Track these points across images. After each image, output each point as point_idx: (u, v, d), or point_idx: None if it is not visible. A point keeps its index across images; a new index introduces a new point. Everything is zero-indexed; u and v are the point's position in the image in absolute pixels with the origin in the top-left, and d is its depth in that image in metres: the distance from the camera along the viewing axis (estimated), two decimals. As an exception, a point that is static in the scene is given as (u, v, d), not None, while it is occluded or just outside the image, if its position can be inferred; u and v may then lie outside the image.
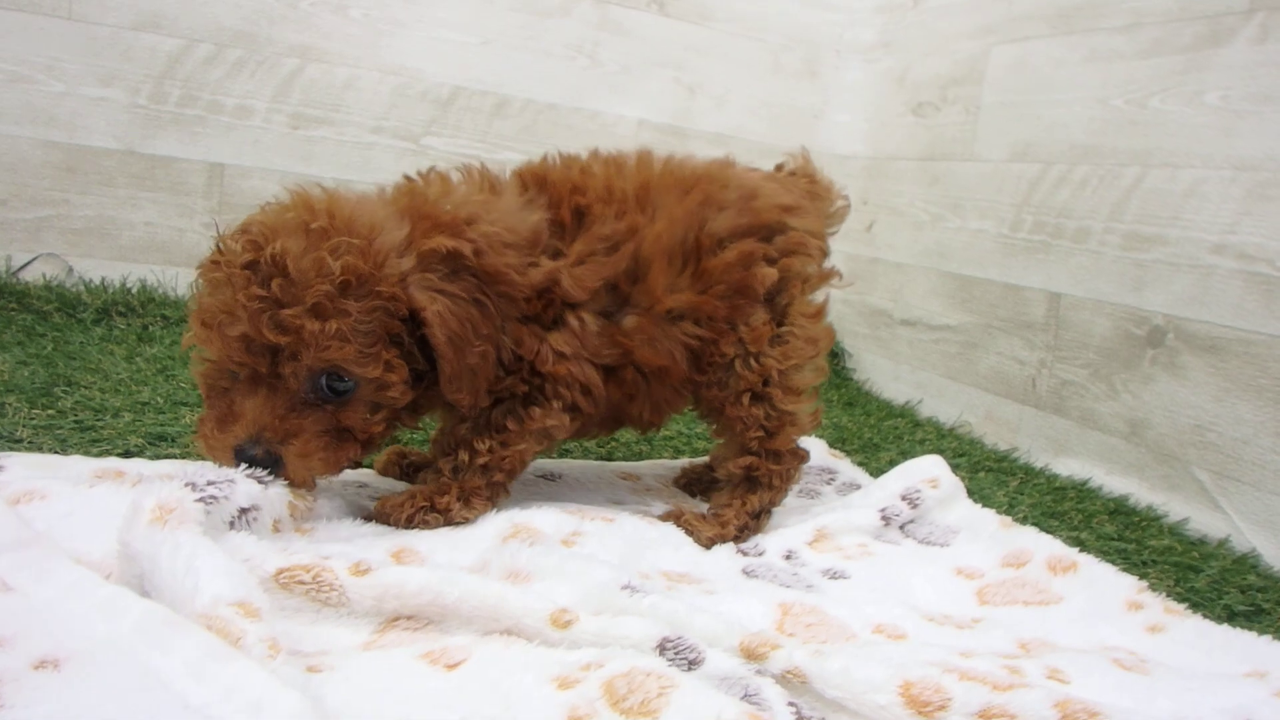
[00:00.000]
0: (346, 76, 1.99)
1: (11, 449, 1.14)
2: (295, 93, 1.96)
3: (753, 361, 1.12)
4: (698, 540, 1.09)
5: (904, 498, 1.16)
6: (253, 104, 1.94)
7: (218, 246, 0.92)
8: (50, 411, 1.27)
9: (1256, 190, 1.42)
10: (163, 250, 1.94)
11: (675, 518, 1.12)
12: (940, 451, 1.64)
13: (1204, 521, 1.44)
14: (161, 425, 1.28)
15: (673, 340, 1.08)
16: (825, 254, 1.21)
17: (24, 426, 1.21)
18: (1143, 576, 1.13)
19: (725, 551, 1.02)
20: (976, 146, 2.00)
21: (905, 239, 2.20)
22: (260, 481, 0.88)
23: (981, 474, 1.62)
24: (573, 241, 1.04)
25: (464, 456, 1.04)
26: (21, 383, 1.35)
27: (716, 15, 2.25)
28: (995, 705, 0.65)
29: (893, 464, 1.35)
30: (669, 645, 0.72)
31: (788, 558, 1.02)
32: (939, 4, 2.16)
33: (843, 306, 2.40)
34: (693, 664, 0.70)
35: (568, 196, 1.06)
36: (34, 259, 1.86)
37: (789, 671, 0.72)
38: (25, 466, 1.03)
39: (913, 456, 1.32)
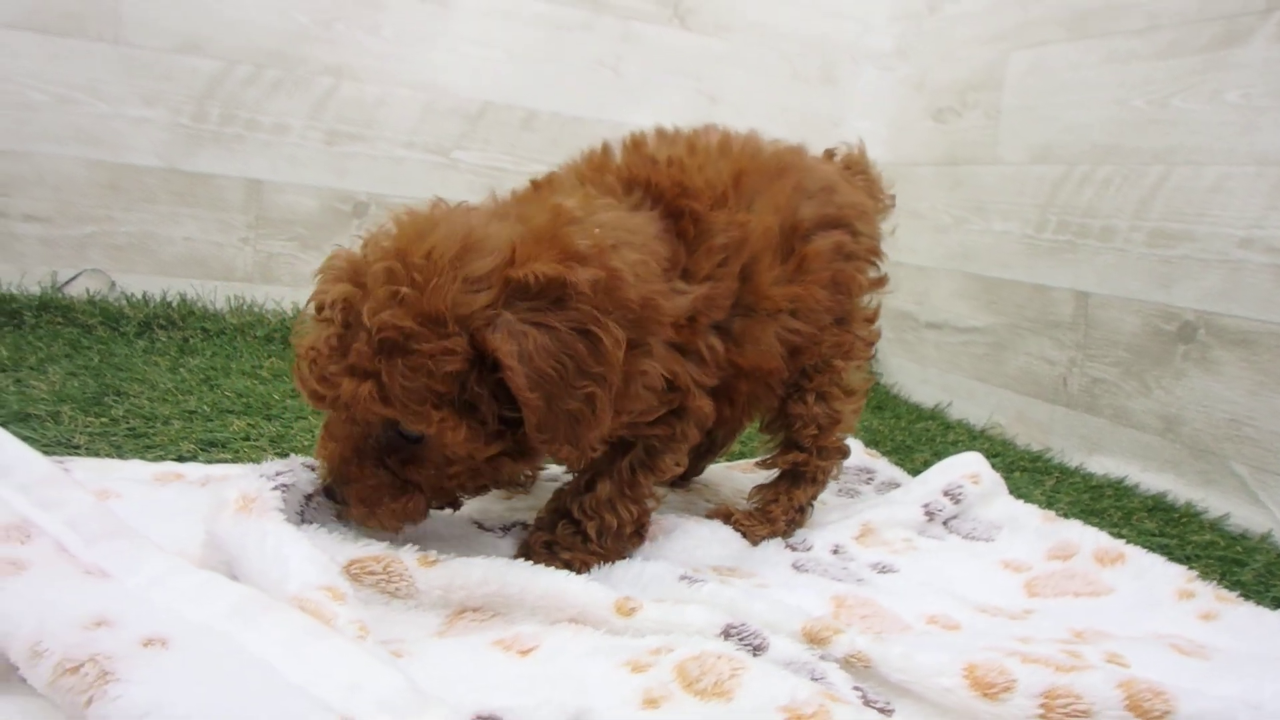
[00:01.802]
0: (379, 94, 2.03)
1: (70, 454, 1.17)
2: (330, 110, 2.00)
3: (821, 363, 1.13)
4: (750, 539, 1.10)
5: (946, 493, 1.17)
6: (289, 121, 1.98)
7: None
8: (103, 419, 1.30)
9: (1283, 185, 1.44)
10: (202, 265, 1.98)
11: (724, 516, 1.13)
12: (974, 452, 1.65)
13: (1244, 516, 1.45)
14: (211, 432, 1.31)
15: (774, 337, 1.03)
16: (882, 258, 1.21)
17: (80, 434, 1.24)
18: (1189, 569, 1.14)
19: (774, 546, 1.04)
20: (998, 149, 2.02)
21: (928, 242, 2.22)
22: (311, 468, 0.91)
23: (1017, 474, 1.63)
24: (693, 253, 0.95)
25: (610, 521, 0.96)
26: (73, 392, 1.39)
27: (734, 26, 2.28)
28: (1059, 686, 0.67)
29: (927, 465, 1.37)
30: (733, 631, 0.74)
31: (835, 552, 1.03)
32: (955, 11, 2.18)
33: (868, 311, 2.42)
34: (758, 649, 0.72)
35: (681, 202, 0.96)
36: (78, 274, 1.90)
37: (852, 655, 0.73)
38: (87, 470, 1.07)
39: (946, 457, 1.33)
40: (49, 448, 1.18)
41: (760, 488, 1.18)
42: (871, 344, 1.19)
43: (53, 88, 1.82)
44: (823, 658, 0.73)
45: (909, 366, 2.27)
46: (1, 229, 1.84)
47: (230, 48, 1.92)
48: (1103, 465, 1.70)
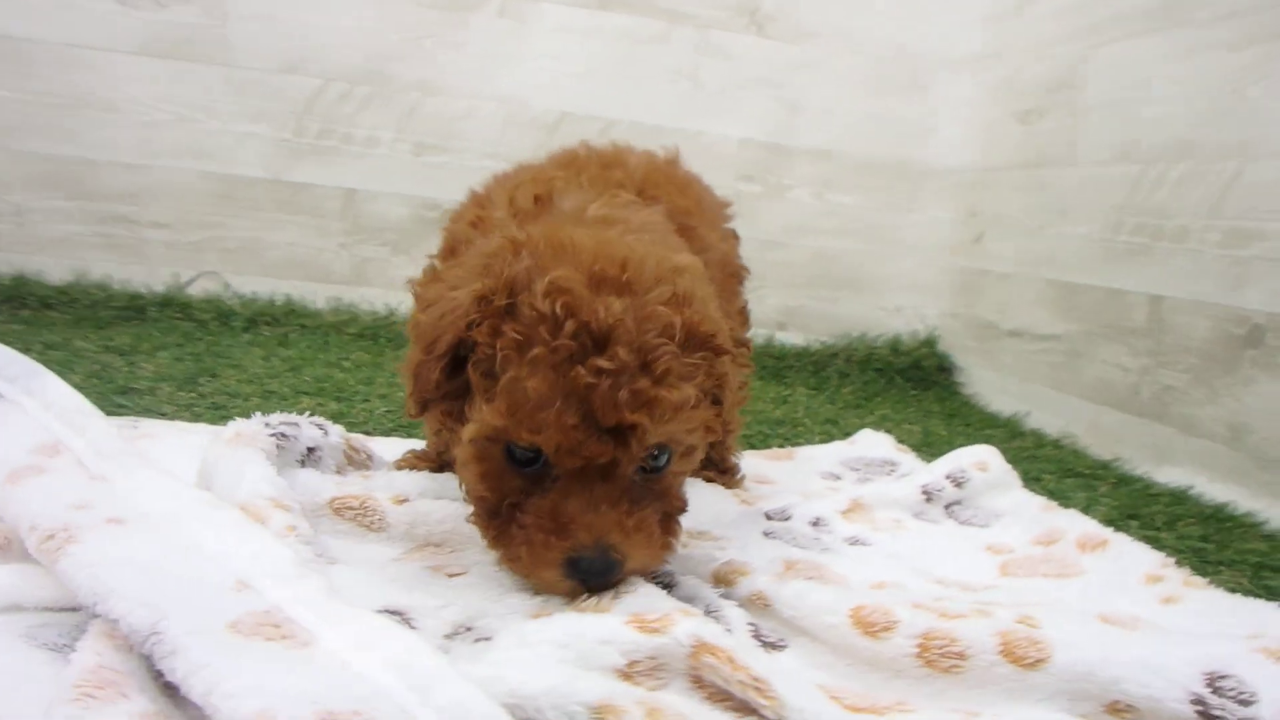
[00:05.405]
0: (463, 107, 2.17)
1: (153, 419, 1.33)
2: (417, 123, 2.16)
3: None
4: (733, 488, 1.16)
5: (948, 477, 1.17)
6: (380, 134, 2.15)
7: (508, 309, 0.75)
8: (192, 394, 1.47)
9: (1355, 178, 1.37)
10: (303, 267, 2.16)
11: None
12: (1034, 460, 1.61)
13: (1304, 527, 1.37)
14: (282, 409, 1.43)
15: None
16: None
17: (169, 405, 1.41)
18: (1217, 575, 1.10)
19: (751, 515, 1.06)
20: (1078, 150, 1.98)
21: (1012, 249, 2.18)
22: (320, 429, 1.01)
23: (1070, 479, 1.59)
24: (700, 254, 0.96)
25: None
26: (174, 373, 1.57)
27: (816, 33, 2.30)
28: (938, 629, 0.69)
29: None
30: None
31: (815, 524, 1.05)
32: (1042, 9, 2.14)
33: (951, 320, 2.39)
34: (669, 587, 0.78)
35: (682, 218, 0.98)
36: (198, 275, 2.12)
37: (754, 595, 0.78)
38: (156, 426, 1.24)
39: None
40: (140, 413, 1.34)
41: None
42: None
43: (172, 107, 2.06)
44: (724, 595, 0.78)
45: (988, 376, 2.24)
46: (133, 234, 2.08)
47: (327, 67, 2.11)
48: (1169, 475, 1.63)
